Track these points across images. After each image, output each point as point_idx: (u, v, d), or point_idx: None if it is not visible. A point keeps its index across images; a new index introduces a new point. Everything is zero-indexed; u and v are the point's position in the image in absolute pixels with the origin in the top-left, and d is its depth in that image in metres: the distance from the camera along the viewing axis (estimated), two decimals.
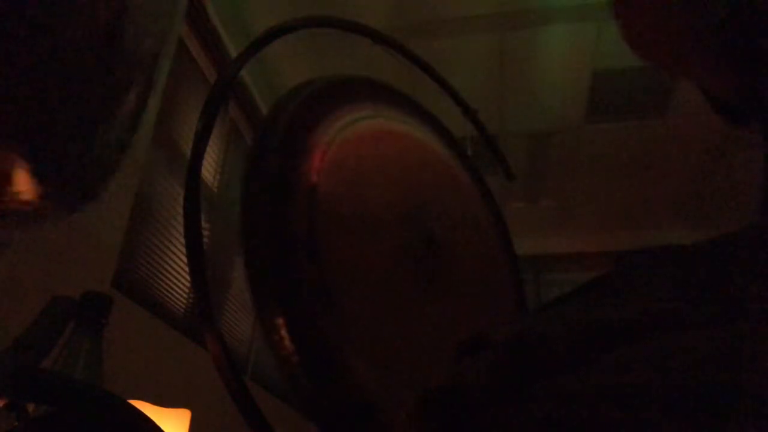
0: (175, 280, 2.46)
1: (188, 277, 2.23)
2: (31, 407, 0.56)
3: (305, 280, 0.71)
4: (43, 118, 0.20)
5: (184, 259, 1.04)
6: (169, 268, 2.42)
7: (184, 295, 2.52)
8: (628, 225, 4.31)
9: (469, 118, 1.29)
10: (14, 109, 0.19)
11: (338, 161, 0.85)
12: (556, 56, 3.04)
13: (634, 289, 0.30)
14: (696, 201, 3.94)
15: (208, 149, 1.03)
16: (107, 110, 0.22)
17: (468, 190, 1.17)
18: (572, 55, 3.02)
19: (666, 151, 3.66)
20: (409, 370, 0.78)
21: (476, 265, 1.07)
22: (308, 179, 0.78)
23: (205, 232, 2.62)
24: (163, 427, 0.56)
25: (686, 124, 3.40)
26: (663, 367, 0.23)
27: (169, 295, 2.43)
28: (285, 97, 0.84)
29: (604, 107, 3.38)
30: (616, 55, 2.97)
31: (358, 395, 0.69)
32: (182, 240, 0.82)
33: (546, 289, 4.54)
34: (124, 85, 0.23)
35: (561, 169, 3.92)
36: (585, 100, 3.32)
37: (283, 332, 0.65)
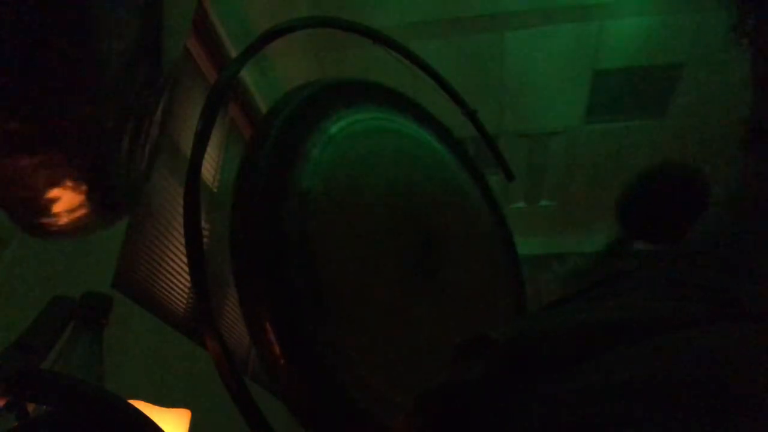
0: (175, 280, 2.45)
1: (188, 277, 2.23)
2: (31, 407, 0.56)
3: (296, 283, 0.71)
4: (89, 135, 0.20)
5: (184, 259, 1.04)
6: (169, 268, 2.42)
7: (184, 295, 2.52)
8: None
9: (469, 118, 1.29)
10: (78, 130, 0.19)
11: (335, 164, 0.85)
12: (556, 56, 3.04)
13: (634, 289, 0.30)
14: None
15: (208, 149, 1.03)
16: (145, 125, 0.23)
17: (468, 191, 1.17)
18: (572, 55, 3.02)
19: (666, 151, 3.66)
20: (408, 370, 0.78)
21: (476, 265, 1.07)
22: (301, 183, 0.78)
23: (205, 232, 2.62)
24: (163, 427, 0.56)
25: (686, 124, 3.40)
26: (663, 367, 0.23)
27: (169, 295, 2.43)
28: (282, 99, 0.84)
29: (604, 107, 3.38)
30: (616, 55, 2.97)
31: (350, 397, 0.69)
32: (182, 240, 0.82)
33: (546, 289, 4.53)
34: (156, 101, 0.23)
35: (561, 169, 3.92)
36: (585, 100, 3.32)
37: (271, 336, 0.65)
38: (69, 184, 0.20)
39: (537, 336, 0.27)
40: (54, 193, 0.20)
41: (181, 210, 0.76)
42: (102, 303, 0.80)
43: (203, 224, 2.42)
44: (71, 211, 0.21)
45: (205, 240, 0.93)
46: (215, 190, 2.85)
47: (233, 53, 2.76)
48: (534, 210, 4.31)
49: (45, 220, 0.21)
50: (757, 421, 0.20)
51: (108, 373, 0.79)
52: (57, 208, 0.21)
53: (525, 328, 0.30)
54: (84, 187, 0.21)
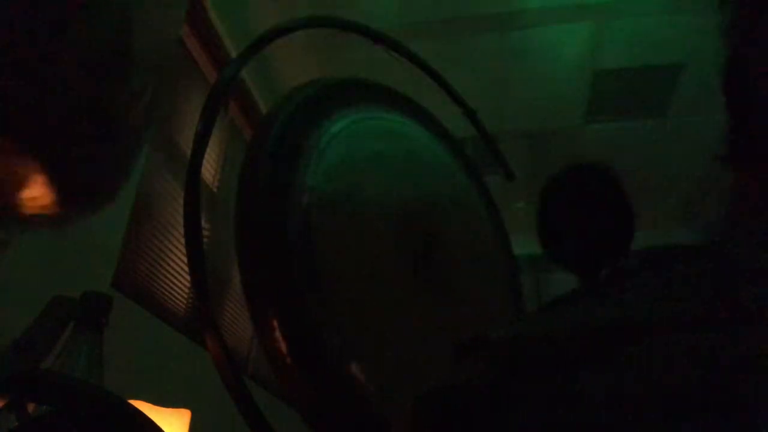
0: (175, 280, 2.46)
1: (188, 277, 2.23)
2: (31, 407, 0.56)
3: (299, 281, 0.71)
4: (58, 125, 0.20)
5: (184, 259, 1.04)
6: (169, 268, 2.42)
7: (184, 295, 2.52)
8: None
9: (469, 118, 1.29)
10: (29, 116, 0.19)
11: (335, 163, 0.85)
12: (556, 56, 3.04)
13: (635, 289, 0.30)
14: (696, 201, 3.94)
15: (208, 149, 1.03)
16: (121, 115, 0.23)
17: (467, 191, 1.17)
18: (572, 55, 3.02)
19: (666, 151, 3.66)
20: (409, 370, 0.78)
21: (475, 265, 1.07)
22: (304, 182, 0.78)
23: (205, 232, 2.62)
24: (163, 427, 0.56)
25: (686, 124, 3.40)
26: (664, 367, 0.23)
27: (169, 295, 2.43)
28: (282, 100, 0.84)
29: (604, 107, 3.38)
30: (616, 55, 2.97)
31: (356, 397, 0.69)
32: (182, 240, 0.82)
33: (546, 289, 4.53)
34: (138, 92, 0.23)
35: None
36: (585, 100, 3.32)
37: (277, 334, 0.65)
38: (23, 172, 0.20)
39: (536, 336, 0.27)
40: (11, 180, 0.20)
41: (181, 210, 0.76)
42: (102, 303, 0.80)
43: (203, 224, 2.42)
44: (33, 199, 0.21)
45: (205, 240, 0.93)
46: (215, 190, 2.85)
47: (233, 53, 2.76)
48: (534, 210, 4.31)
49: (8, 210, 0.21)
50: (758, 421, 0.20)
51: (108, 373, 0.79)
52: (19, 196, 0.21)
53: (524, 328, 0.30)
54: (41, 177, 0.21)
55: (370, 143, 0.95)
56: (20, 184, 0.21)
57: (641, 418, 0.21)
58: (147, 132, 0.26)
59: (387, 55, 1.17)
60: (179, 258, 2.45)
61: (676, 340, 0.24)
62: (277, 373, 0.66)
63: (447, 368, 0.31)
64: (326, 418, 0.67)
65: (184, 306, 2.52)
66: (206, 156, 0.80)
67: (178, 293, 2.49)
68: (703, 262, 0.29)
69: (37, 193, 0.21)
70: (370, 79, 1.05)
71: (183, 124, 2.56)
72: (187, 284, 2.49)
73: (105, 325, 0.79)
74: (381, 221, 0.89)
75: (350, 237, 0.83)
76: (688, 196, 3.95)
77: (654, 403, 0.22)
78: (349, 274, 0.79)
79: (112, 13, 0.20)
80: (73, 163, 0.22)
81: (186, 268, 2.28)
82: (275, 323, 0.65)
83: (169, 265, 2.41)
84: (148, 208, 2.29)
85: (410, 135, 1.07)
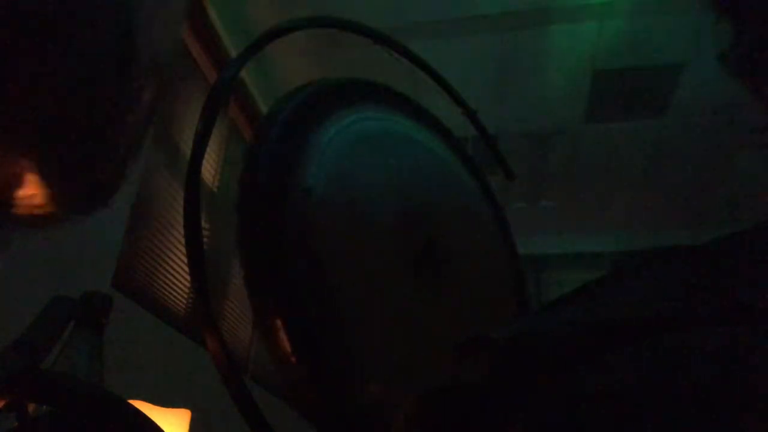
0: (175, 280, 2.46)
1: (188, 277, 2.23)
2: (31, 407, 0.56)
3: (303, 281, 0.71)
4: (56, 124, 0.20)
5: (184, 259, 1.04)
6: (169, 268, 2.42)
7: (184, 295, 2.52)
8: (628, 225, 4.31)
9: (469, 118, 1.29)
10: (25, 113, 0.19)
11: (336, 163, 0.85)
12: (556, 56, 3.04)
13: (635, 289, 0.30)
14: (696, 201, 3.94)
15: (208, 149, 1.03)
16: (120, 115, 0.23)
17: (468, 191, 1.17)
18: (572, 55, 3.02)
19: (666, 151, 3.66)
20: (410, 369, 0.78)
21: (477, 265, 1.07)
22: (305, 183, 0.78)
23: (205, 232, 2.62)
24: (163, 427, 0.56)
25: (686, 124, 3.40)
26: (663, 368, 0.23)
27: (169, 295, 2.43)
28: (282, 99, 0.84)
29: (604, 107, 3.38)
30: (616, 55, 2.97)
31: (358, 396, 0.69)
32: (182, 240, 0.82)
33: (546, 289, 4.54)
34: (137, 91, 0.23)
35: (561, 169, 3.92)
36: (585, 100, 3.32)
37: (282, 334, 0.65)
38: (18, 170, 0.20)
39: (537, 336, 0.27)
40: (5, 178, 0.20)
41: (181, 210, 0.76)
42: (102, 303, 0.80)
43: (203, 224, 2.42)
44: (28, 198, 0.21)
45: (205, 240, 0.93)
46: (215, 190, 2.85)
47: (233, 53, 2.76)
48: (534, 210, 4.31)
49: (2, 208, 0.21)
50: (760, 422, 0.20)
51: (108, 373, 0.79)
52: (13, 195, 0.21)
53: (525, 328, 0.30)
54: (37, 176, 0.21)
55: (370, 143, 0.95)
56: (15, 182, 0.21)
57: (641, 417, 0.21)
58: (147, 132, 0.25)
59: (387, 55, 1.17)
60: (179, 258, 2.45)
61: (676, 340, 0.24)
62: (281, 373, 0.66)
63: (447, 368, 0.31)
64: (330, 418, 0.67)
65: (184, 306, 2.52)
66: (206, 156, 0.80)
67: (178, 293, 2.49)
68: (702, 261, 0.29)
69: (32, 192, 0.21)
70: (371, 79, 1.05)
71: (183, 124, 2.56)
72: (187, 284, 2.49)
73: (105, 325, 0.79)
74: (382, 221, 0.89)
75: (351, 237, 0.83)
76: (687, 196, 3.95)
77: (654, 403, 0.22)
78: (350, 275, 0.79)
79: (114, 12, 0.20)
80: (71, 162, 0.22)
81: (186, 268, 2.28)
82: (279, 323, 0.65)
83: (169, 265, 2.41)
84: (148, 208, 2.29)
85: (411, 135, 1.07)
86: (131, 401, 0.56)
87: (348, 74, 1.01)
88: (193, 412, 1.09)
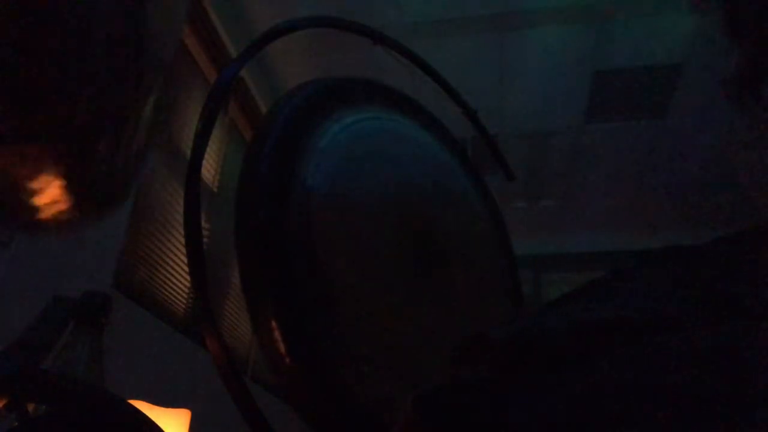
0: (175, 280, 2.46)
1: (188, 277, 2.23)
2: (31, 407, 0.56)
3: (301, 282, 0.71)
4: (83, 132, 0.20)
5: (184, 259, 1.04)
6: (169, 268, 2.42)
7: (184, 295, 2.52)
8: (628, 225, 4.31)
9: (469, 118, 1.29)
10: (58, 125, 0.19)
11: (336, 163, 0.85)
12: (556, 56, 3.04)
13: (635, 289, 0.30)
14: (696, 201, 3.94)
15: (208, 149, 1.03)
16: (134, 117, 0.23)
17: (467, 191, 1.17)
18: (572, 55, 3.02)
19: (666, 151, 3.66)
20: (408, 369, 0.78)
21: (475, 265, 1.07)
22: (304, 182, 0.78)
23: (205, 232, 2.61)
24: (163, 427, 0.56)
25: (686, 124, 3.40)
26: (663, 367, 0.23)
27: (169, 295, 2.43)
28: (282, 99, 0.84)
29: (604, 107, 3.38)
30: (616, 55, 2.97)
31: (354, 396, 0.69)
32: (182, 240, 0.82)
33: (546, 289, 4.53)
34: (147, 90, 0.23)
35: (561, 169, 3.92)
36: (585, 100, 3.32)
37: (276, 334, 0.65)
38: (46, 177, 0.20)
39: (536, 336, 0.27)
40: (31, 186, 0.20)
41: (181, 210, 0.76)
42: (102, 303, 0.80)
43: (203, 224, 2.41)
44: (51, 204, 0.21)
45: (205, 240, 0.93)
46: (215, 190, 2.85)
47: (233, 53, 2.76)
48: (534, 210, 4.31)
49: (26, 214, 0.21)
50: (757, 420, 0.20)
51: (108, 373, 0.79)
52: (36, 201, 0.21)
53: (524, 327, 0.30)
54: (61, 181, 0.21)
55: (369, 143, 0.95)
56: (40, 189, 0.21)
57: (641, 417, 0.21)
58: (155, 134, 0.26)
59: (387, 55, 1.17)
60: (179, 258, 2.44)
61: (676, 340, 0.24)
62: (275, 373, 0.66)
63: (447, 368, 0.31)
64: (325, 418, 0.67)
65: (184, 306, 2.52)
66: (206, 156, 0.80)
67: (178, 293, 2.49)
68: (702, 261, 0.29)
69: (56, 198, 0.21)
70: (371, 79, 1.05)
71: (183, 124, 2.56)
72: (187, 284, 2.49)
73: (105, 325, 0.79)
74: (381, 221, 0.89)
75: (350, 237, 0.83)
76: (687, 196, 3.95)
77: (654, 402, 0.22)
78: (349, 275, 0.79)
79: (127, 15, 0.20)
80: (92, 168, 0.22)
81: (186, 268, 2.28)
82: (274, 323, 0.65)
83: (169, 265, 2.41)
84: (148, 208, 2.29)
85: (410, 135, 1.07)
86: (131, 401, 0.56)
87: (348, 74, 1.01)
88: (193, 412, 1.09)
